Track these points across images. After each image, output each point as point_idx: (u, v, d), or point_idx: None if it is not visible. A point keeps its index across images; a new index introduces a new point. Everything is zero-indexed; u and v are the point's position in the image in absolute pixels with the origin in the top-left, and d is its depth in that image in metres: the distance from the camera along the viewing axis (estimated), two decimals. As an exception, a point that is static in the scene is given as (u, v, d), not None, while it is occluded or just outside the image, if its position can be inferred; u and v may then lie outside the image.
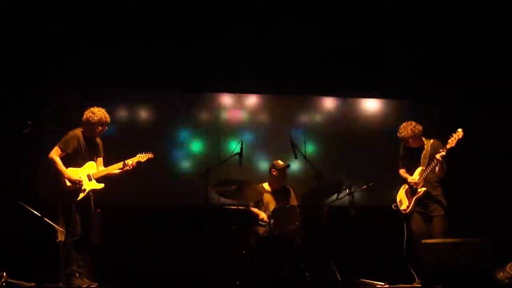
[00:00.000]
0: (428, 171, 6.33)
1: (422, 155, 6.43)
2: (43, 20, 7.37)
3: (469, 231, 6.35)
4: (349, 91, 8.31)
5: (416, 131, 6.43)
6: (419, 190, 6.38)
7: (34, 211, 6.24)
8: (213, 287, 6.49)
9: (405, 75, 8.04)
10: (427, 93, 8.10)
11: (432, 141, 6.48)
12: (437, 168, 6.29)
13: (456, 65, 7.99)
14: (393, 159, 7.13)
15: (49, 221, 6.21)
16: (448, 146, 6.18)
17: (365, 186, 6.88)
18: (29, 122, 6.02)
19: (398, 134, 6.53)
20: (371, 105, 8.44)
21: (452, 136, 6.19)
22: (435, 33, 7.89)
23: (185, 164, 7.91)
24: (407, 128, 6.43)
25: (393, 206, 6.62)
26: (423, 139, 6.51)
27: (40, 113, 7.37)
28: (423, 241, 5.89)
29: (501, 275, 6.32)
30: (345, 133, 8.31)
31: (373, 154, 8.04)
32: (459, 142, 6.15)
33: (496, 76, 7.90)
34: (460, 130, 6.19)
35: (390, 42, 7.99)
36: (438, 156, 6.21)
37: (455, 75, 7.99)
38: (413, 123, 6.47)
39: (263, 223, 6.75)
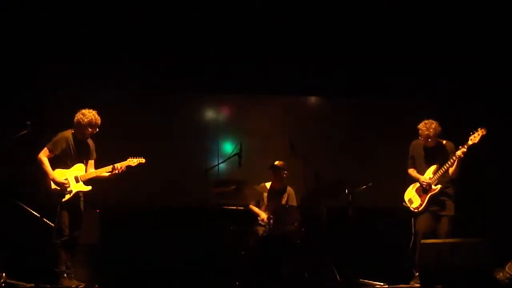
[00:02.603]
0: (444, 170, 6.24)
1: (439, 154, 6.33)
2: (43, 22, 7.38)
3: (469, 231, 6.35)
4: (349, 92, 8.30)
5: (438, 130, 6.34)
6: (434, 187, 6.29)
7: (33, 212, 6.25)
8: (213, 287, 6.50)
9: (405, 75, 8.03)
10: (426, 93, 8.08)
11: (445, 141, 6.43)
12: (453, 167, 6.18)
13: (456, 65, 7.98)
14: (393, 159, 7.14)
15: (48, 222, 6.22)
16: (470, 143, 6.04)
17: (365, 187, 6.87)
18: (29, 123, 6.02)
19: (420, 132, 6.38)
20: (371, 106, 8.42)
21: (474, 133, 6.06)
22: (434, 33, 7.88)
23: (185, 164, 7.90)
24: (431, 127, 6.32)
25: (403, 204, 6.51)
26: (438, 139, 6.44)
27: (39, 113, 7.39)
28: (422, 241, 5.88)
29: (500, 275, 6.30)
30: (344, 134, 8.31)
31: (373, 155, 8.04)
32: (482, 138, 6.02)
33: (496, 76, 7.88)
34: (483, 127, 6.05)
35: (389, 42, 7.97)
36: (459, 152, 6.07)
37: (455, 75, 7.98)
38: (434, 121, 6.38)
39: (263, 224, 6.78)
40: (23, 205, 6.25)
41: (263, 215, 6.89)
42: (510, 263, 6.36)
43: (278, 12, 7.66)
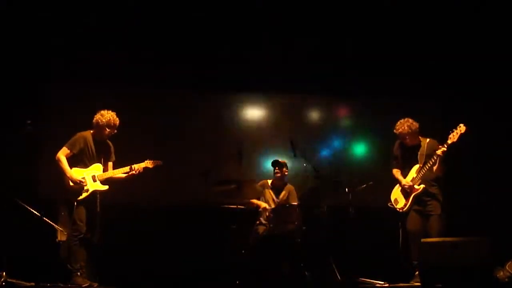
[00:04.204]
0: (426, 169, 6.22)
1: (418, 153, 6.34)
2: (43, 20, 7.38)
3: (469, 231, 6.34)
4: (350, 91, 8.31)
5: (413, 128, 6.36)
6: (416, 187, 6.29)
7: (33, 211, 6.25)
8: (213, 287, 6.50)
9: (405, 75, 8.04)
10: (427, 93, 8.09)
11: (428, 140, 6.40)
12: (436, 165, 6.17)
13: (456, 65, 7.99)
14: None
15: (49, 221, 6.23)
16: (449, 142, 6.01)
17: (365, 185, 6.87)
18: (29, 121, 6.05)
19: (394, 130, 6.43)
20: (371, 106, 8.43)
21: (453, 131, 6.03)
22: (434, 32, 7.90)
23: (186, 164, 7.89)
24: (404, 125, 6.36)
25: (388, 205, 6.55)
26: (420, 137, 6.45)
27: (40, 112, 7.39)
28: (422, 240, 5.87)
29: (501, 274, 6.31)
30: (345, 133, 8.32)
31: (373, 154, 8.05)
32: (461, 137, 5.99)
33: (496, 75, 7.89)
34: (462, 125, 6.01)
35: (390, 42, 7.99)
36: (439, 151, 6.05)
37: (455, 74, 7.99)
38: (410, 120, 6.40)
39: (265, 213, 6.77)
40: (23, 204, 6.24)
41: (264, 204, 6.91)
42: (510, 262, 6.37)
43: (278, 12, 7.68)
